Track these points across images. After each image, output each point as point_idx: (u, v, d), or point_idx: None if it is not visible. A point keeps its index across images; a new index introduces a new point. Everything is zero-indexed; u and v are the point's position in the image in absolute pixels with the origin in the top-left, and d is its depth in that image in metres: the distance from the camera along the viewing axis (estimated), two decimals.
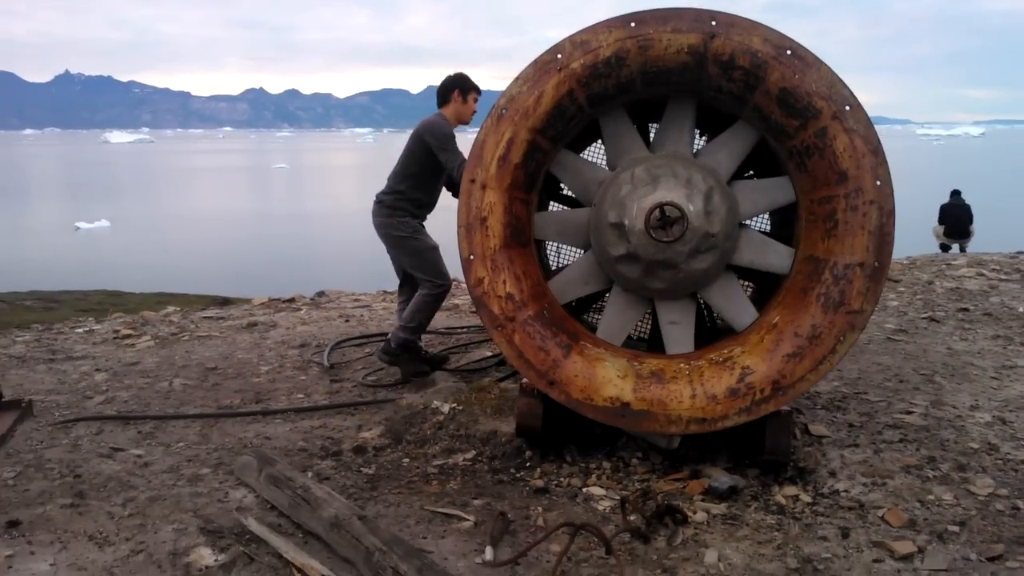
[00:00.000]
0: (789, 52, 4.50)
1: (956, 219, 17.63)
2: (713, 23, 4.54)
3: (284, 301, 10.35)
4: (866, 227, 4.44)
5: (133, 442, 5.04)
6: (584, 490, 4.50)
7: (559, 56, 4.60)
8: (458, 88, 6.08)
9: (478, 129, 4.77)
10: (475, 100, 6.13)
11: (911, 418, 5.27)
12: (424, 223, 6.25)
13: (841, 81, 4.47)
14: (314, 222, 45.45)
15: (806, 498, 4.39)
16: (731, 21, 4.55)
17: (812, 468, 4.66)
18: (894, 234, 4.47)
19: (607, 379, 4.56)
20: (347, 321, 8.19)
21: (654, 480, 4.65)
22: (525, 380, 4.76)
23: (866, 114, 4.45)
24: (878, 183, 4.44)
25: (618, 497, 4.41)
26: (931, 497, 4.31)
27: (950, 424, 5.22)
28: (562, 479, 4.63)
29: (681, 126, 4.97)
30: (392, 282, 6.53)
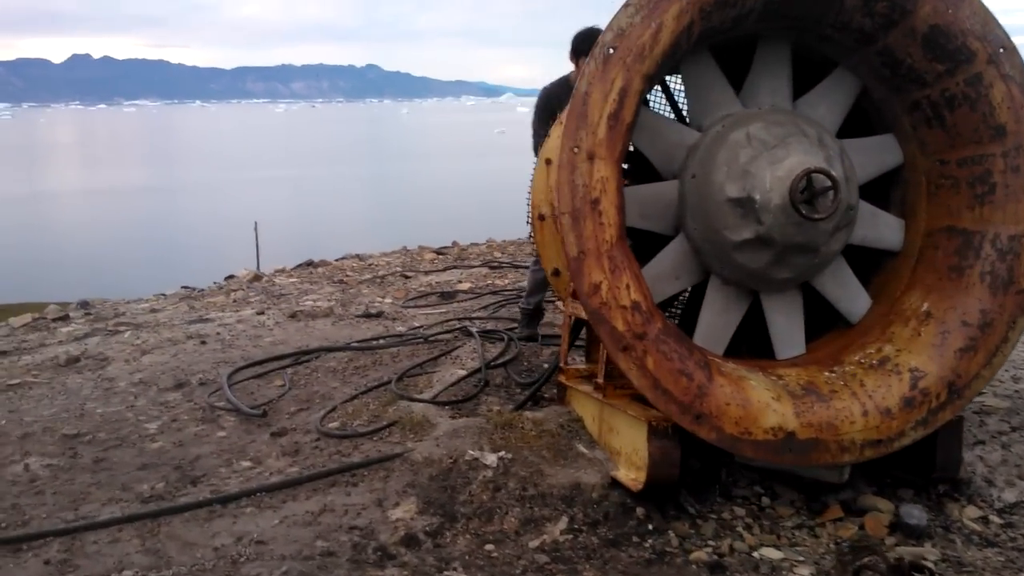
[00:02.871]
0: None
1: None
2: None
3: (55, 320, 7.98)
4: None
5: None
6: (756, 555, 3.42)
7: None
8: (573, 52, 5.39)
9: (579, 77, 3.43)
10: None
11: (992, 400, 4.75)
12: None
13: (993, 17, 3.71)
14: None
15: (996, 519, 3.66)
16: None
17: (964, 477, 3.94)
18: None
19: (763, 404, 3.49)
20: (203, 343, 6.25)
21: (808, 522, 3.69)
22: (655, 418, 3.54)
23: (1021, 58, 3.74)
24: None
25: (802, 558, 3.41)
26: None
27: None
28: (711, 542, 3.51)
29: (778, 73, 3.98)
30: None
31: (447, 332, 5.92)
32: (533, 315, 5.96)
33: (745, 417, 3.44)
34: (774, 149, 3.64)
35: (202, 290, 9.86)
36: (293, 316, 6.89)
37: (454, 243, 14.47)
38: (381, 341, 6.01)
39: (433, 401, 4.69)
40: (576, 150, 3.33)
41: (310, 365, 5.58)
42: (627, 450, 3.78)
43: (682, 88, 4.30)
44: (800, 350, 4.02)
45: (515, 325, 6.06)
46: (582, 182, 3.34)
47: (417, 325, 6.47)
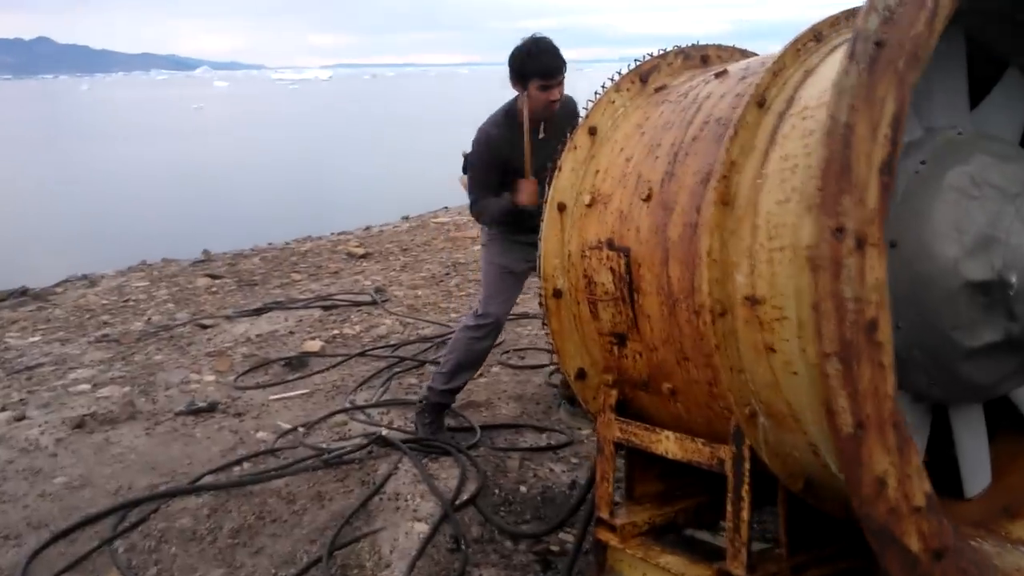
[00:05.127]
0: None
1: None
2: None
3: None
4: None
5: None
6: None
7: None
8: (513, 76, 3.98)
9: (812, 96, 1.86)
10: (541, 88, 3.89)
11: None
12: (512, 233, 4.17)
13: None
14: None
15: None
16: None
17: None
18: None
19: None
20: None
21: None
22: None
23: None
24: None
25: None
26: None
27: None
28: None
29: (955, 78, 2.66)
30: None
31: (355, 447, 4.05)
32: (444, 407, 4.27)
33: None
34: (1018, 200, 2.32)
35: None
36: (80, 425, 4.60)
37: (205, 252, 12.10)
38: (246, 465, 4.03)
39: None
40: (840, 234, 1.78)
41: (151, 528, 3.53)
42: None
43: None
44: (987, 481, 2.78)
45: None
46: (852, 293, 1.80)
47: (287, 427, 4.50)
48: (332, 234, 13.21)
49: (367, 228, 13.47)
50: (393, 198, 22.51)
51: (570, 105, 4.06)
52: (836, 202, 1.79)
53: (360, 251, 10.48)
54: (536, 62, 3.85)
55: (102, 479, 4.01)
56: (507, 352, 5.49)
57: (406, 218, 14.39)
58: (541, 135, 4.00)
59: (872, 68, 1.83)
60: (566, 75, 3.92)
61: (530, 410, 4.63)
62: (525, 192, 3.92)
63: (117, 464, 4.17)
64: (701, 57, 3.25)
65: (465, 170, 16.00)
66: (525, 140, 3.94)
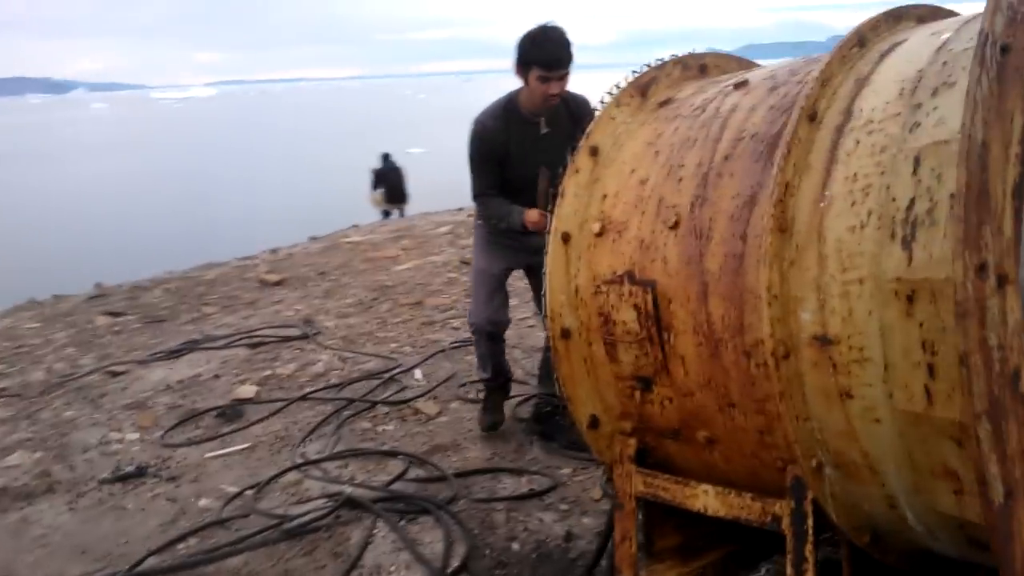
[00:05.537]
0: None
1: (394, 183, 16.75)
2: None
3: None
4: None
5: None
6: None
7: None
8: (517, 61, 3.79)
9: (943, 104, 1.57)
10: (540, 79, 3.71)
11: None
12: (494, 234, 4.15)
13: None
14: None
15: None
16: None
17: None
18: None
19: None
20: None
21: None
22: None
23: None
24: None
25: None
26: None
27: None
28: None
29: None
30: None
31: (321, 513, 3.59)
32: (500, 387, 4.43)
33: None
34: None
35: None
36: None
37: (99, 286, 11.25)
38: (192, 542, 3.54)
39: None
40: (983, 272, 1.51)
41: None
42: None
43: None
44: None
45: (425, 473, 3.97)
46: (997, 340, 1.53)
47: (233, 490, 4.00)
48: (236, 259, 12.48)
49: (274, 251, 12.78)
50: (295, 218, 21.72)
51: (579, 104, 3.87)
52: (977, 233, 1.51)
53: (274, 278, 9.86)
54: (539, 50, 3.68)
55: (25, 569, 3.45)
56: (463, 385, 5.11)
57: (314, 239, 13.77)
58: (545, 130, 3.86)
59: (1000, 77, 1.56)
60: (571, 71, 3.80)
61: (501, 450, 4.27)
62: (530, 220, 3.79)
63: (40, 549, 3.61)
64: (699, 67, 2.99)
65: (375, 186, 15.57)
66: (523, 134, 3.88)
